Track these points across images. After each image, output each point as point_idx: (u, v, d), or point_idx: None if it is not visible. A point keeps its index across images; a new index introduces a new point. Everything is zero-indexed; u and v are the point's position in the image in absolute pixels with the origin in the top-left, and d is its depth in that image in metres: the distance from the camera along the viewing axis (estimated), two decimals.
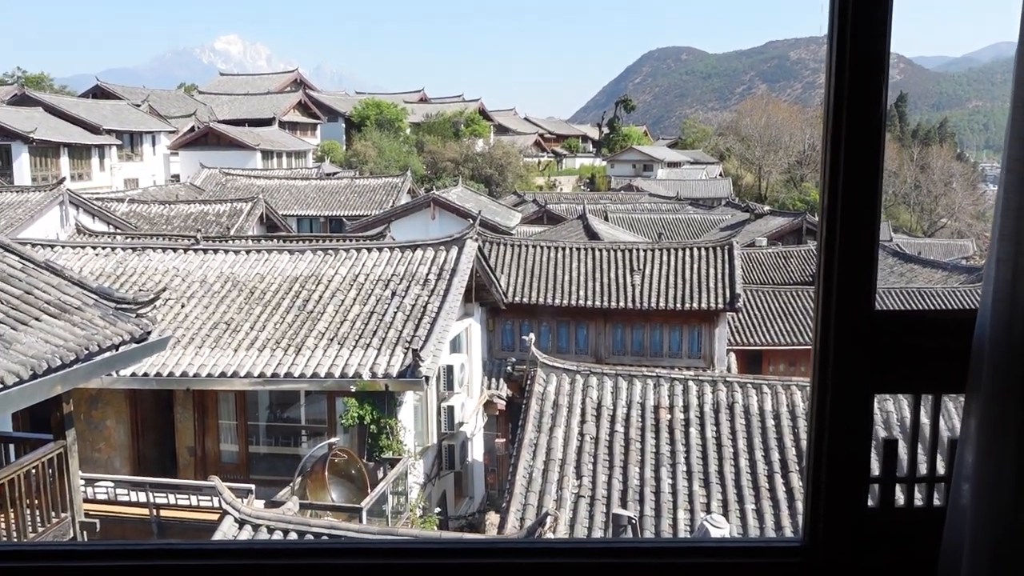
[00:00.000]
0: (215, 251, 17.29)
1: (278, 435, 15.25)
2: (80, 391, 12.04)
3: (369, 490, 12.41)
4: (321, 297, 15.49)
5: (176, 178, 53.82)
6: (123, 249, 17.72)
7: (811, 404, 1.83)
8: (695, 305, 21.03)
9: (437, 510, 15.21)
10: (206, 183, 42.69)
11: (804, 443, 10.74)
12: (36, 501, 9.56)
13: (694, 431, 11.82)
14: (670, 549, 1.95)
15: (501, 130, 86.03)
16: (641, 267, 22.24)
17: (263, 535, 8.61)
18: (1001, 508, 1.61)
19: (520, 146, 79.22)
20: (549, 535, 9.12)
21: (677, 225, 44.81)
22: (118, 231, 25.66)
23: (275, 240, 22.75)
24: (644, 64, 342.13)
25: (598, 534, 10.28)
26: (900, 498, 1.94)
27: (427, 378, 13.37)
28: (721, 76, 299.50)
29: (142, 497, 12.87)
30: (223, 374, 13.56)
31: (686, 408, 12.22)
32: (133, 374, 13.35)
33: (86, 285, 10.11)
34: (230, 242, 19.91)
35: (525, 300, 21.65)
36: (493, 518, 15.69)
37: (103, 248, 17.82)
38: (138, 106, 60.71)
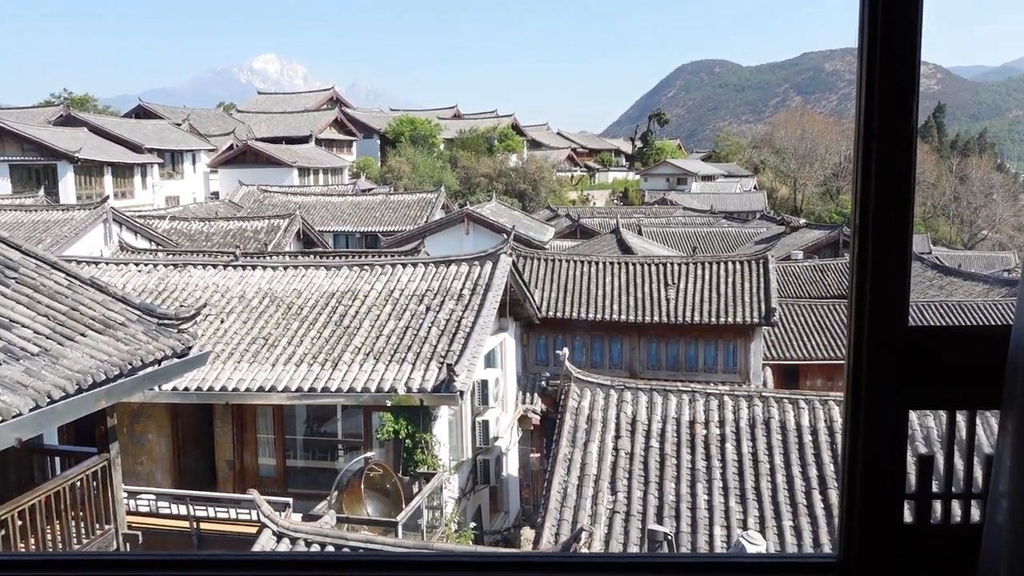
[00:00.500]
0: (253, 267, 17.55)
1: (315, 449, 15.40)
2: (123, 405, 12.27)
3: (404, 504, 12.45)
4: (357, 312, 15.65)
5: (215, 195, 54.75)
6: (164, 266, 18.06)
7: (845, 420, 1.83)
8: (730, 319, 20.85)
9: (472, 525, 15.20)
10: (244, 200, 43.38)
11: None
12: (81, 513, 9.77)
13: (730, 446, 11.70)
14: (705, 564, 1.96)
15: (534, 145, 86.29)
16: (675, 281, 22.11)
17: (300, 548, 8.69)
18: None
19: (553, 160, 79.38)
20: (584, 551, 9.09)
21: (711, 239, 44.44)
22: (159, 248, 26.11)
23: (312, 256, 23.05)
24: (677, 77, 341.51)
25: (633, 550, 10.20)
26: (938, 514, 1.92)
27: (461, 393, 13.43)
28: (755, 89, 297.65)
29: (183, 510, 13.07)
30: (261, 388, 13.74)
31: (722, 423, 12.10)
32: (174, 388, 13.59)
33: (129, 301, 10.33)
34: (268, 258, 20.18)
35: (559, 315, 21.64)
36: (528, 533, 15.62)
37: (145, 265, 18.18)
38: (179, 125, 61.95)
